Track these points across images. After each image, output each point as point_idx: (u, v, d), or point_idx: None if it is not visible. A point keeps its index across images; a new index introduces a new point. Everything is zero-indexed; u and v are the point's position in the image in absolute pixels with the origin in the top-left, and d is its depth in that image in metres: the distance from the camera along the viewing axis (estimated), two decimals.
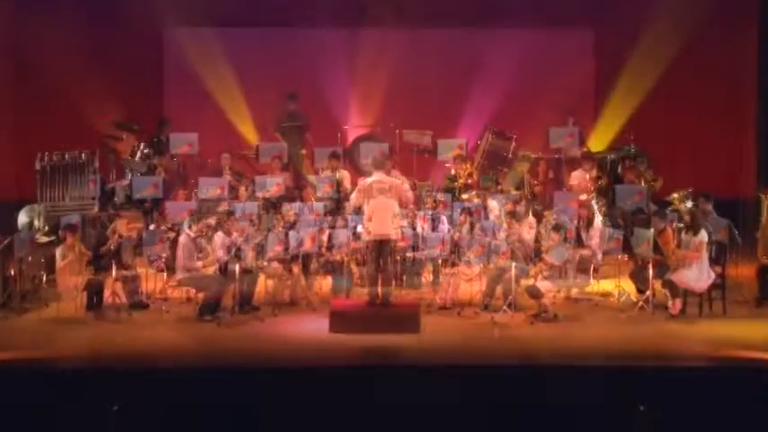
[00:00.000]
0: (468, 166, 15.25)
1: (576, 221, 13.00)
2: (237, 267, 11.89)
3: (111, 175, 15.94)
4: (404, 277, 13.08)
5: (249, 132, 17.45)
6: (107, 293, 12.20)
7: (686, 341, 11.15)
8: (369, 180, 11.74)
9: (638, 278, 12.50)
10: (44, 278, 12.36)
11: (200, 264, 12.12)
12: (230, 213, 12.56)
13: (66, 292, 12.05)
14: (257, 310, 12.22)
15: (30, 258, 12.44)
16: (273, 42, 17.57)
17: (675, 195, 14.22)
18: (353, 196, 11.82)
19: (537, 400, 9.77)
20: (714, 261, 12.24)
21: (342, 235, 12.60)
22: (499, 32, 17.45)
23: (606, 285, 13.01)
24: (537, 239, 12.82)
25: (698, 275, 11.94)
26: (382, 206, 11.57)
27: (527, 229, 12.75)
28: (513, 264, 11.91)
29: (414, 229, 12.71)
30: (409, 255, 12.74)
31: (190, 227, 12.23)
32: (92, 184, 14.94)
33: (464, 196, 14.57)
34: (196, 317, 11.90)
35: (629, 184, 14.82)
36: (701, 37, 16.90)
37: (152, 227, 13.26)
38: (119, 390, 9.73)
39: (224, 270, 12.09)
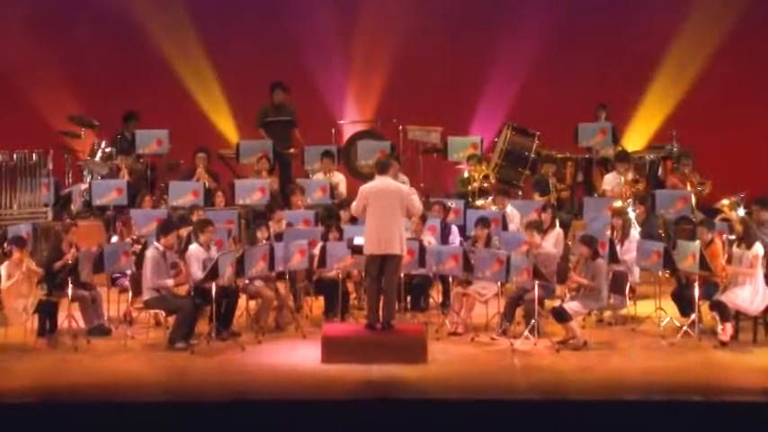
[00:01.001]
0: (483, 167, 15.26)
1: (609, 232, 12.99)
2: (214, 287, 11.88)
3: (66, 178, 15.96)
4: (409, 298, 13.06)
5: (228, 129, 17.47)
6: (62, 317, 12.17)
7: (738, 372, 11.13)
8: (371, 185, 11.70)
9: (682, 299, 12.47)
10: None
11: (170, 282, 12.10)
12: (206, 223, 12.54)
13: (13, 316, 12.01)
14: (238, 337, 12.20)
15: None
16: (256, 25, 17.57)
17: (725, 202, 14.23)
18: (354, 203, 11.74)
19: None
20: None
21: (336, 248, 12.58)
22: (519, 15, 17.49)
23: (645, 307, 12.98)
24: (564, 254, 12.82)
25: (752, 296, 11.92)
26: (386, 215, 11.52)
27: (552, 242, 12.74)
28: (537, 282, 11.89)
29: (420, 241, 12.69)
30: (415, 271, 12.72)
31: (158, 239, 12.22)
32: (44, 188, 14.89)
33: (479, 202, 14.58)
34: (166, 344, 11.88)
35: (672, 188, 14.84)
36: (753, 19, 16.92)
37: (115, 239, 13.26)
38: (75, 430, 9.70)
39: (199, 290, 12.07)
